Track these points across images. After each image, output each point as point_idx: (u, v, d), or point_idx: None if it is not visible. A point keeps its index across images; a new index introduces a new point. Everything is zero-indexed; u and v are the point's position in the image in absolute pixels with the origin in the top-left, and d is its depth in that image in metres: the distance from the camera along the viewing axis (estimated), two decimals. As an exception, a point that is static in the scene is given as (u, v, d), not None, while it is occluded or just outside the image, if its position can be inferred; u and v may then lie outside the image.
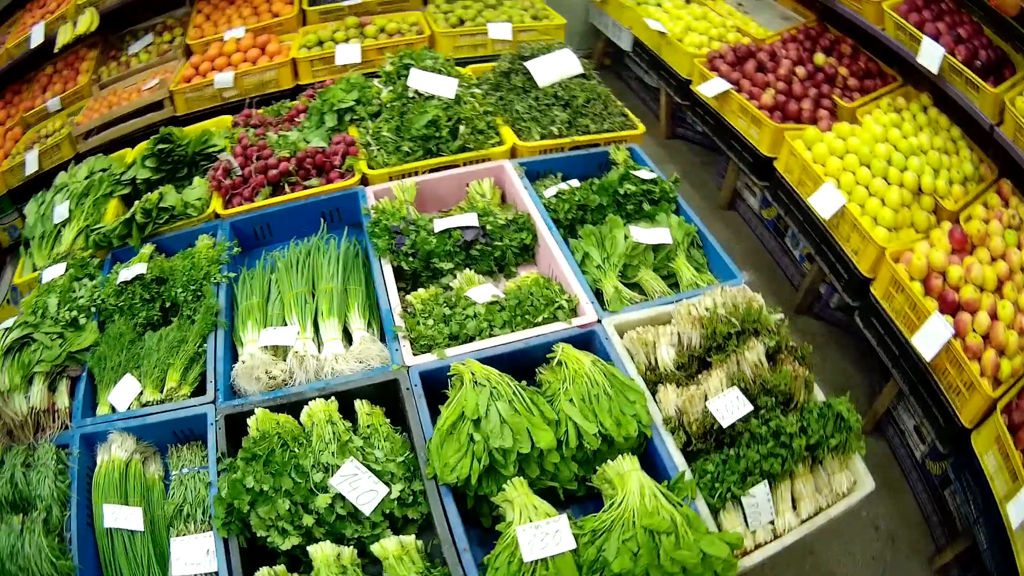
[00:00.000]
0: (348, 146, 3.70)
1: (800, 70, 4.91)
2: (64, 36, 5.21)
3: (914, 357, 3.43)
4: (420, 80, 3.84)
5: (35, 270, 3.68)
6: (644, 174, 3.58)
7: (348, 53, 4.80)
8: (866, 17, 4.48)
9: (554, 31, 5.22)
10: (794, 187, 4.35)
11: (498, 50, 5.09)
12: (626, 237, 3.26)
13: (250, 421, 2.57)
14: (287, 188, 3.58)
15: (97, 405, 2.94)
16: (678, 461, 2.47)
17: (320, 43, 5.00)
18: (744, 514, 2.44)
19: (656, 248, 3.29)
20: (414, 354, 2.77)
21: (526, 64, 4.12)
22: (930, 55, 3.90)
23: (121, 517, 2.52)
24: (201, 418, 2.70)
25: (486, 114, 3.91)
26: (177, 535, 2.49)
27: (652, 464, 2.53)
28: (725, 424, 2.50)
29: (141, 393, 2.89)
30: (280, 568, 2.28)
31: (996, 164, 4.18)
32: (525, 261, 3.43)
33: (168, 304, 3.22)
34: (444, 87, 3.83)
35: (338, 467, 2.40)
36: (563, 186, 3.57)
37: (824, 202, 3.99)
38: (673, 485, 2.34)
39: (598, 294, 3.13)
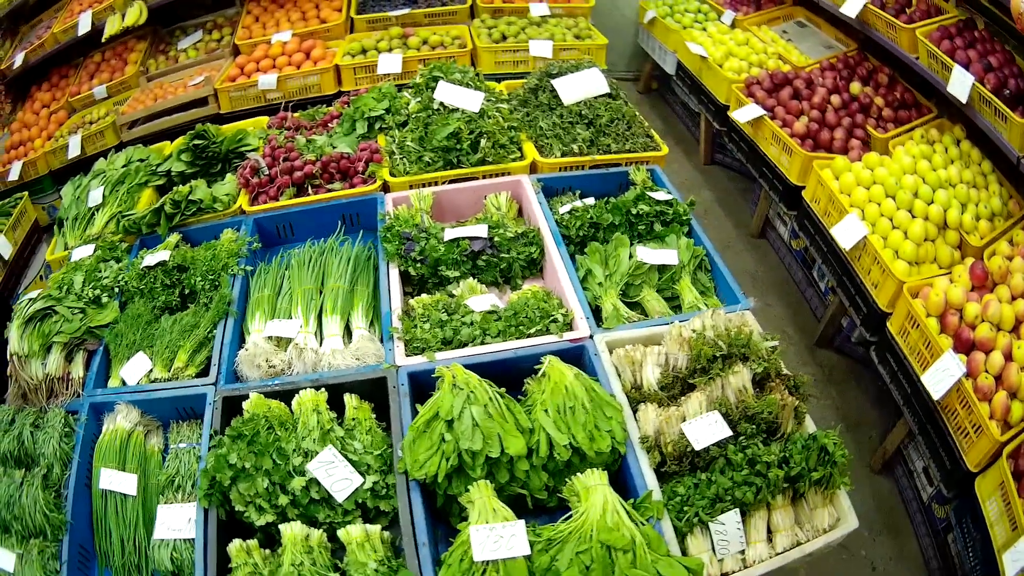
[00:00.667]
0: (373, 153, 3.81)
1: (835, 99, 4.90)
2: (112, 27, 5.39)
3: (924, 396, 3.36)
4: (447, 93, 3.92)
5: (66, 249, 3.86)
6: (660, 195, 3.61)
7: (390, 63, 4.89)
8: (901, 45, 4.41)
9: (596, 51, 5.26)
10: (820, 217, 4.32)
11: (539, 67, 5.10)
12: (631, 256, 3.30)
13: (245, 404, 2.69)
14: (310, 190, 3.70)
15: (109, 378, 3.11)
16: (650, 480, 2.48)
17: (364, 51, 5.09)
18: (712, 541, 2.44)
19: (662, 269, 3.31)
20: (406, 355, 2.86)
21: (552, 81, 4.16)
22: (960, 84, 3.83)
23: (116, 481, 2.71)
24: (202, 397, 2.85)
25: (510, 129, 3.96)
26: (165, 503, 2.65)
27: (624, 482, 2.56)
28: (698, 447, 2.50)
29: (151, 371, 3.05)
30: (253, 542, 2.39)
31: (1025, 200, 4.10)
32: (532, 275, 3.48)
33: (187, 291, 3.36)
34: (469, 100, 3.90)
35: (317, 453, 2.50)
36: (578, 203, 3.60)
37: (846, 233, 3.96)
38: (639, 504, 2.37)
39: (599, 311, 3.16)
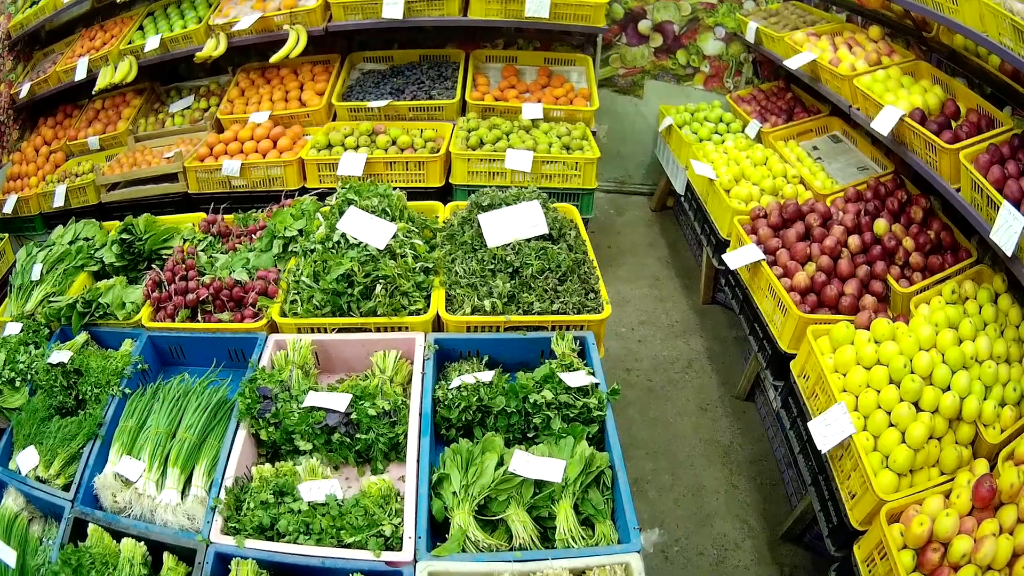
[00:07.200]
0: (269, 284, 3.63)
1: (854, 241, 4.12)
2: (103, 80, 5.43)
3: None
4: (352, 222, 3.55)
5: (10, 316, 4.04)
6: (578, 377, 3.05)
7: (351, 164, 4.61)
8: (940, 173, 3.56)
9: (585, 166, 4.75)
10: (805, 398, 3.58)
11: (518, 182, 4.62)
12: (501, 463, 2.78)
13: (88, 529, 2.90)
14: (200, 316, 3.63)
15: (11, 458, 3.34)
16: None
17: (329, 146, 4.85)
18: None
19: (542, 482, 2.76)
20: (223, 532, 2.77)
21: (479, 216, 3.65)
22: (1007, 229, 2.95)
23: (3, 552, 3.05)
24: (63, 507, 3.03)
25: (422, 272, 3.59)
26: (31, 584, 2.98)
27: None
28: None
29: (37, 467, 3.22)
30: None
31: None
32: (400, 459, 3.08)
33: (81, 397, 3.45)
34: (375, 235, 3.50)
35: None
36: (468, 379, 3.08)
37: (825, 430, 3.23)
38: None
39: (447, 524, 2.74)
